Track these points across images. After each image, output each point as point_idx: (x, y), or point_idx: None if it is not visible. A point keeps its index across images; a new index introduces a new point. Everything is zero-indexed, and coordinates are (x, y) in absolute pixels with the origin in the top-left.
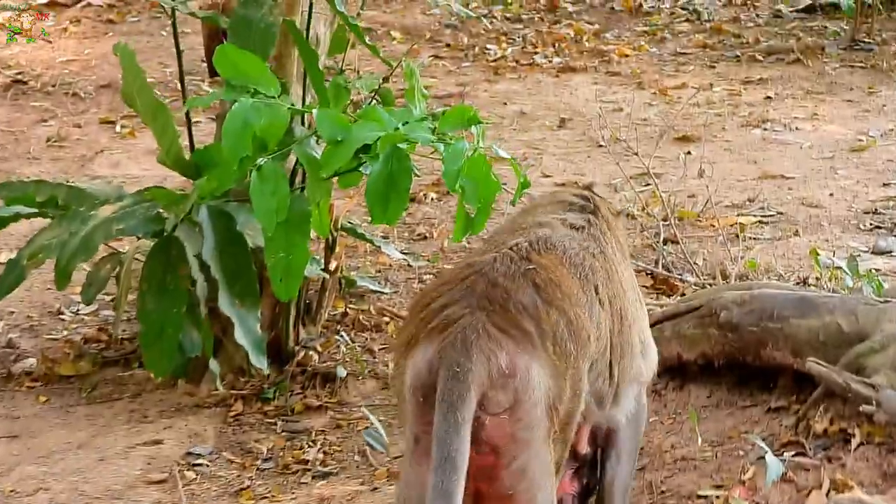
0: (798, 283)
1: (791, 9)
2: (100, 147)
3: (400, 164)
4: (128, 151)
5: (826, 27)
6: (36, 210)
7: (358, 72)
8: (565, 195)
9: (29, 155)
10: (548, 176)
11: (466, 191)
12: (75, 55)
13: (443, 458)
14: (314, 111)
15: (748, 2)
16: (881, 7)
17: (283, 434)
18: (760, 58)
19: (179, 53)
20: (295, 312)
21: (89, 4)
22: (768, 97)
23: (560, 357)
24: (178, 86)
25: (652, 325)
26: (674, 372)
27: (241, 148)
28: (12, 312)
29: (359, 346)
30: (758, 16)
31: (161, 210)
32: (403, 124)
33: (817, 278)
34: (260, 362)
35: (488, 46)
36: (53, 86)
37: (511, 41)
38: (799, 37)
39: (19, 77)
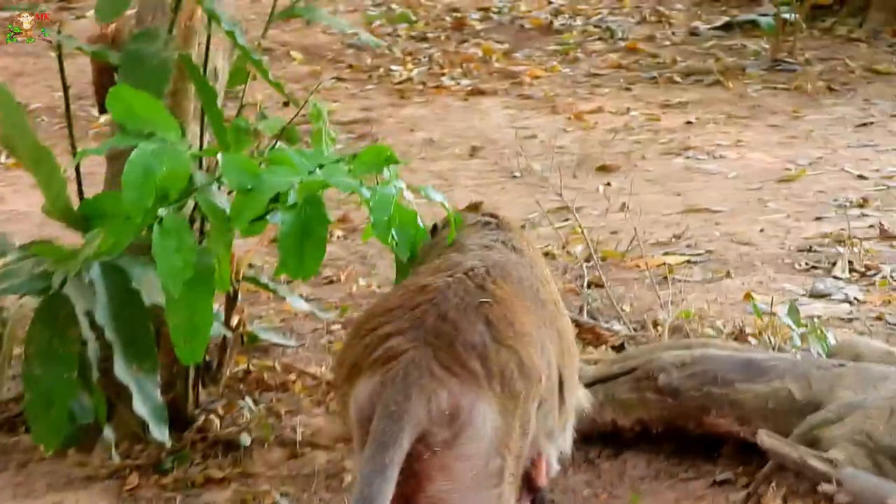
0: (734, 333)
1: (708, 26)
2: None
3: (315, 210)
4: (12, 185)
5: (746, 46)
6: None
7: (259, 106)
8: (467, 217)
9: None
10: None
11: (399, 240)
12: None
13: (363, 499)
14: (218, 155)
15: (663, 19)
16: (803, 25)
17: None
18: (679, 79)
19: (66, 90)
20: (194, 372)
21: None
22: (689, 122)
23: (508, 397)
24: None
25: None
26: (608, 439)
27: (144, 199)
28: None
29: (263, 407)
30: (674, 34)
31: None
32: (318, 167)
33: (760, 332)
34: (161, 434)
35: (393, 67)
36: None
37: (417, 62)
38: (718, 56)
39: None
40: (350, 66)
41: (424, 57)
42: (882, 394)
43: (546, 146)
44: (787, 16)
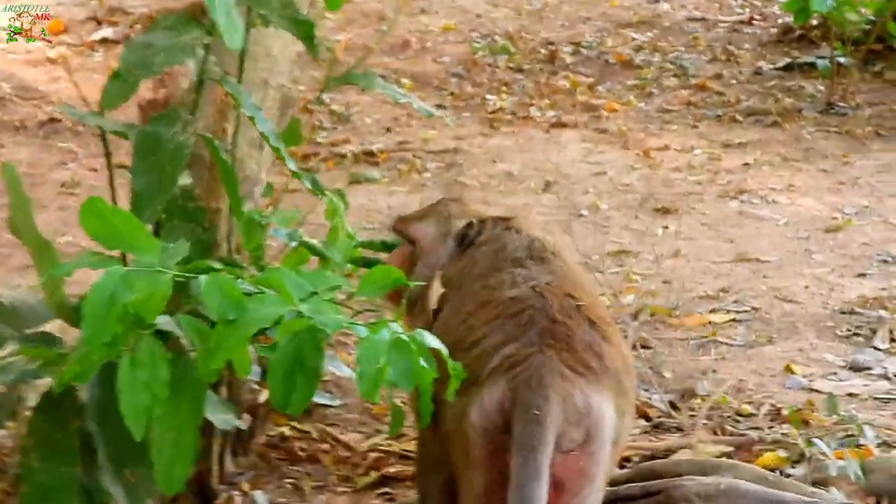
0: (771, 414)
1: (771, 66)
2: (107, 195)
3: (310, 340)
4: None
5: (803, 87)
6: None
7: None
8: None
9: (42, 202)
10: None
11: (396, 380)
12: None
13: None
14: (202, 279)
15: (731, 58)
16: (855, 69)
17: None
18: (741, 118)
19: (108, 156)
20: (221, 445)
21: None
22: (746, 164)
23: (620, 394)
24: None
25: None
26: None
27: (106, 332)
28: None
29: (289, 483)
30: (740, 73)
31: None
32: (311, 296)
33: (805, 418)
34: None
35: (488, 97)
36: (84, 126)
37: (510, 92)
38: (777, 97)
39: (56, 115)
40: (452, 94)
41: (518, 86)
42: None
43: (613, 184)
44: (841, 60)
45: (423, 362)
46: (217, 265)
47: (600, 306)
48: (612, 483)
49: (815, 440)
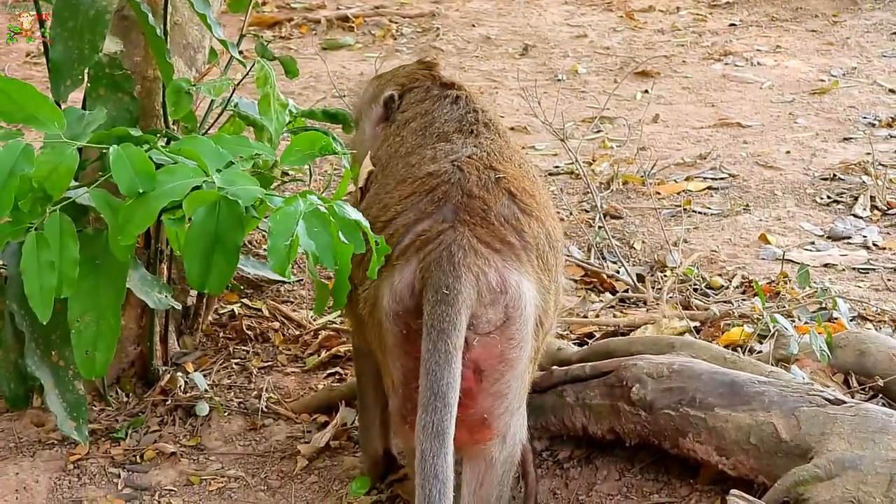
0: (742, 286)
1: None
2: None
3: (229, 213)
4: None
5: None
6: None
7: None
8: (429, 86)
9: (6, 72)
10: (500, 117)
11: (319, 256)
12: None
13: (433, 395)
14: (111, 151)
15: None
16: None
17: (124, 493)
18: None
19: (41, 22)
20: (163, 324)
21: None
22: (733, 24)
23: (544, 270)
24: None
25: (552, 387)
26: (579, 440)
27: (4, 209)
28: None
29: (236, 363)
30: None
31: None
32: (227, 166)
33: (776, 290)
34: (80, 435)
35: None
36: None
37: None
38: None
39: None
40: None
41: None
42: (881, 453)
43: (594, 47)
44: None
45: (342, 237)
46: (135, 134)
47: (527, 178)
48: (565, 362)
49: (778, 316)
